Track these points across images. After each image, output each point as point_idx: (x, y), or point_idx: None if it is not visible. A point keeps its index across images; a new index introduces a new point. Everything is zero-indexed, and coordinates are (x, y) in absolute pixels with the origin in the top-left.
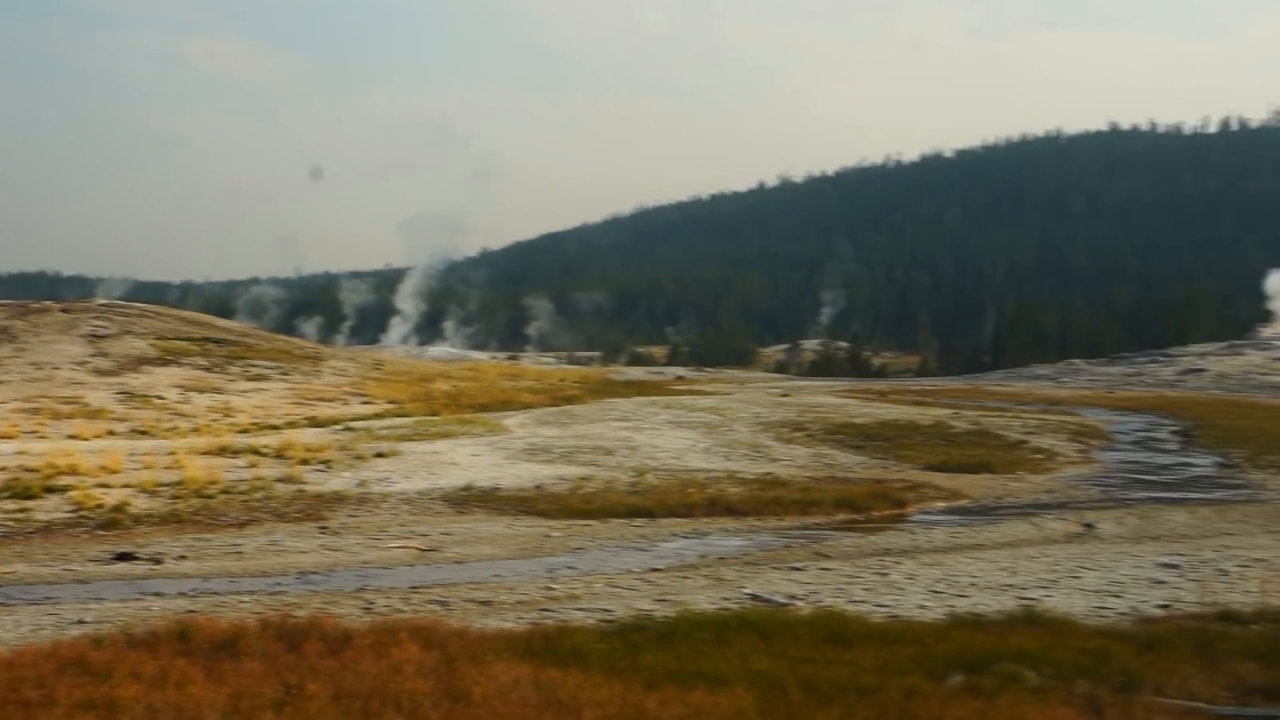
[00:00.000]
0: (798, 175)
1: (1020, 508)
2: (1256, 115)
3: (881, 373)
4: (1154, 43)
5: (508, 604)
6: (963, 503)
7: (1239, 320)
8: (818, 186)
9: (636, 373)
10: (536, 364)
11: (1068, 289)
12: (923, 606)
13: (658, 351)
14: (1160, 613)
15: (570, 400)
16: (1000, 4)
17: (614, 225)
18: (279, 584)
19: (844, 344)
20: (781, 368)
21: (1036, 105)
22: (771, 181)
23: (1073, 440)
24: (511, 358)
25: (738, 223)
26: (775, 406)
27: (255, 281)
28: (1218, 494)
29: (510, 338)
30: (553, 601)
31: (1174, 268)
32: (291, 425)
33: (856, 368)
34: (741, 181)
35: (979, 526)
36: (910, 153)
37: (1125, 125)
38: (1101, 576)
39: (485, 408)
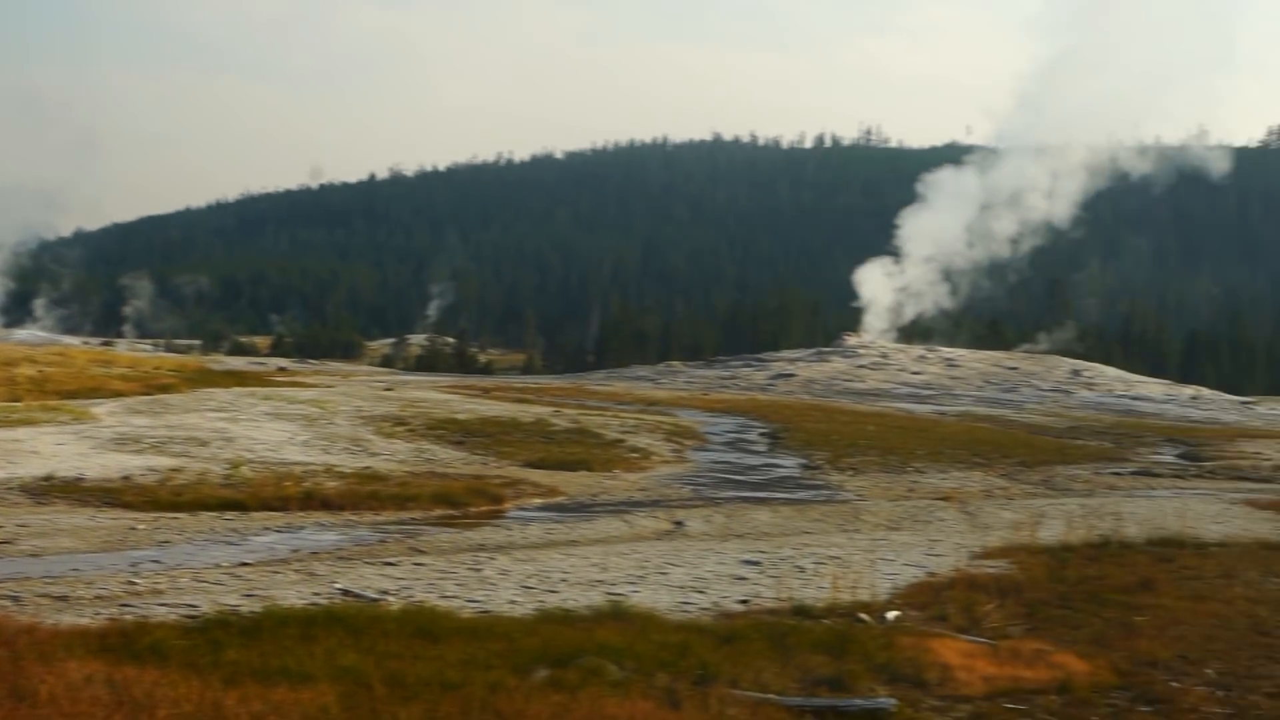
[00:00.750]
0: (409, 169)
1: (614, 505)
2: (848, 134)
3: (487, 369)
4: (757, 60)
5: (85, 599)
6: (559, 500)
7: (827, 328)
8: (429, 181)
9: (237, 362)
10: (132, 350)
11: (670, 292)
12: (514, 602)
13: (261, 341)
14: (740, 608)
15: (165, 389)
16: (613, 11)
17: (219, 210)
18: None
19: (451, 340)
20: (388, 362)
21: (645, 113)
22: (382, 174)
23: (668, 440)
24: (105, 343)
25: (347, 214)
26: (378, 401)
27: None
28: (800, 494)
29: (106, 321)
30: (134, 597)
31: (769, 276)
32: None
33: (463, 364)
34: (351, 172)
35: (574, 523)
36: (521, 152)
37: (728, 136)
38: (687, 573)
39: (73, 394)
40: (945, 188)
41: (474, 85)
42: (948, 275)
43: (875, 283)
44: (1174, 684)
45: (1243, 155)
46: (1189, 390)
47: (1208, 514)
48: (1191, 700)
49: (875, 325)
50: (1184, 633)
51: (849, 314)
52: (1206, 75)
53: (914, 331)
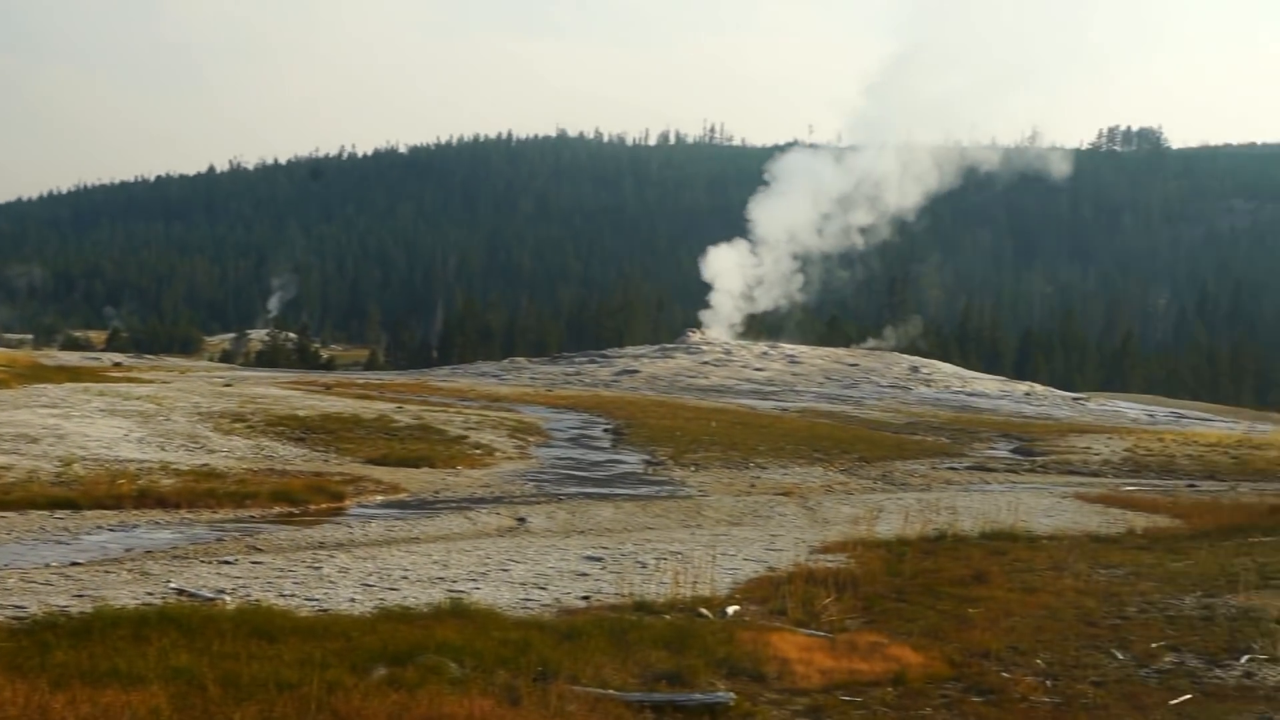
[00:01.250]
0: (249, 161)
1: (457, 502)
2: (693, 131)
3: (330, 365)
4: (603, 55)
5: None
6: (401, 496)
7: (672, 325)
8: (270, 174)
9: (71, 357)
10: None
11: (515, 288)
12: (353, 600)
13: (96, 336)
14: (582, 604)
15: None
16: (458, 4)
17: (52, 201)
18: None
19: (292, 335)
20: (228, 357)
21: (490, 107)
22: (222, 166)
23: (512, 436)
24: None
25: (186, 207)
26: (217, 397)
27: None
28: (643, 490)
29: None
30: None
31: (614, 272)
32: None
33: (305, 360)
34: (190, 165)
35: (416, 520)
36: (365, 146)
37: (573, 132)
38: (530, 569)
39: None
40: (794, 177)
41: (317, 77)
42: (800, 264)
43: (726, 268)
44: (1005, 674)
45: (1076, 157)
46: (1023, 387)
47: (1039, 507)
48: (1021, 690)
49: (721, 319)
50: (1015, 624)
51: (694, 310)
52: (1043, 78)
53: (759, 326)
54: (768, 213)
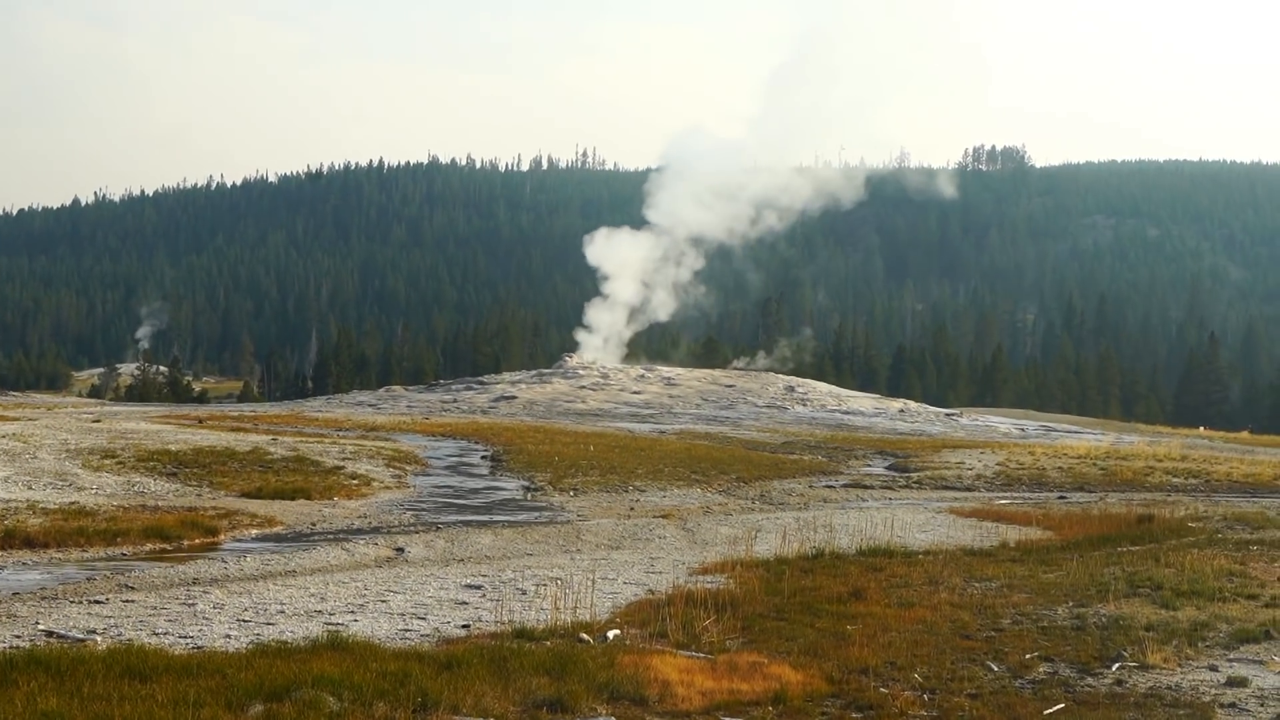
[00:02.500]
0: (115, 193)
1: (334, 533)
2: (566, 156)
3: (202, 398)
4: (474, 81)
5: None
6: (277, 529)
7: (549, 350)
8: (136, 206)
9: None
10: None
11: (389, 316)
12: (229, 636)
13: None
14: (462, 633)
15: None
16: (328, 32)
17: None
18: None
19: (163, 368)
20: (97, 392)
21: (361, 135)
22: (87, 198)
23: (389, 466)
24: None
25: (50, 240)
26: (86, 433)
27: None
28: (522, 516)
29: None
30: None
31: (490, 298)
32: None
33: (176, 393)
34: (53, 197)
35: (292, 553)
36: (233, 175)
37: (444, 159)
38: (408, 599)
39: None
40: (693, 162)
41: (184, 107)
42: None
43: (620, 252)
44: (883, 689)
45: (942, 176)
46: (897, 404)
47: (915, 523)
48: (900, 704)
49: (599, 335)
50: (893, 639)
51: (570, 334)
52: (909, 101)
53: (637, 348)
54: (664, 199)
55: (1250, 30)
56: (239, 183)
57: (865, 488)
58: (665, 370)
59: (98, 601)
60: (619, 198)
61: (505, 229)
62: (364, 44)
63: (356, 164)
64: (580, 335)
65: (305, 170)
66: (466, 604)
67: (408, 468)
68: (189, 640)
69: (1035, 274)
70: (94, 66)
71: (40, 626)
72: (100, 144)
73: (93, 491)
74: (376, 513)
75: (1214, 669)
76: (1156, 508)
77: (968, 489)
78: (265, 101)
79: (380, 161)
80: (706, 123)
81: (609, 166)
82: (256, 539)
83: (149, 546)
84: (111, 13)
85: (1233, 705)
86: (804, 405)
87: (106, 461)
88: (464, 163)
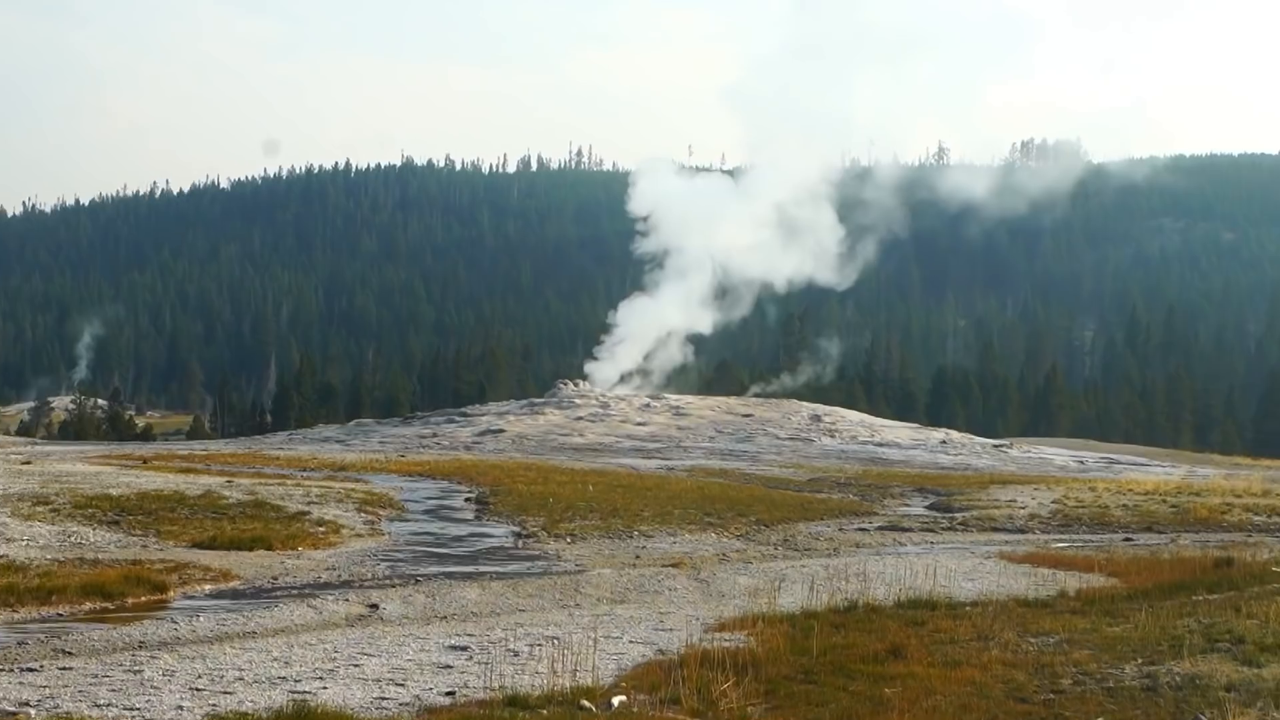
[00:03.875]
0: (46, 203)
1: (299, 588)
2: (557, 156)
3: (146, 435)
4: (454, 75)
5: None
6: (234, 584)
7: (541, 376)
8: (70, 217)
9: None
10: None
11: (359, 339)
12: (181, 708)
13: None
14: (446, 701)
15: None
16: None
17: None
18: None
19: (102, 401)
20: (25, 429)
21: (325, 135)
22: (14, 208)
23: (360, 511)
24: None
25: None
26: (14, 476)
27: None
28: (512, 566)
29: None
30: None
31: (473, 317)
32: None
33: (117, 429)
34: None
35: (251, 611)
36: (181, 181)
37: (420, 160)
38: (384, 663)
39: None
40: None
41: (122, 109)
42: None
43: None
44: None
45: (986, 175)
46: (938, 434)
47: (960, 570)
48: None
49: (611, 366)
50: (937, 704)
51: (566, 359)
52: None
53: (641, 375)
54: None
55: None
56: (187, 189)
57: (903, 530)
58: (674, 398)
59: (30, 669)
60: (618, 201)
61: (490, 238)
62: (346, 36)
63: (321, 167)
64: (590, 363)
65: (263, 175)
66: (451, 668)
67: (381, 512)
68: (135, 712)
69: (1094, 284)
70: (38, 61)
71: None
72: (32, 147)
73: (23, 544)
74: (347, 564)
75: None
76: (1236, 550)
77: (1020, 531)
78: (224, 98)
79: (347, 164)
80: (718, 116)
81: (606, 166)
82: (211, 595)
83: (88, 606)
84: (62, 3)
85: None
86: (832, 437)
87: (39, 509)
88: (442, 164)
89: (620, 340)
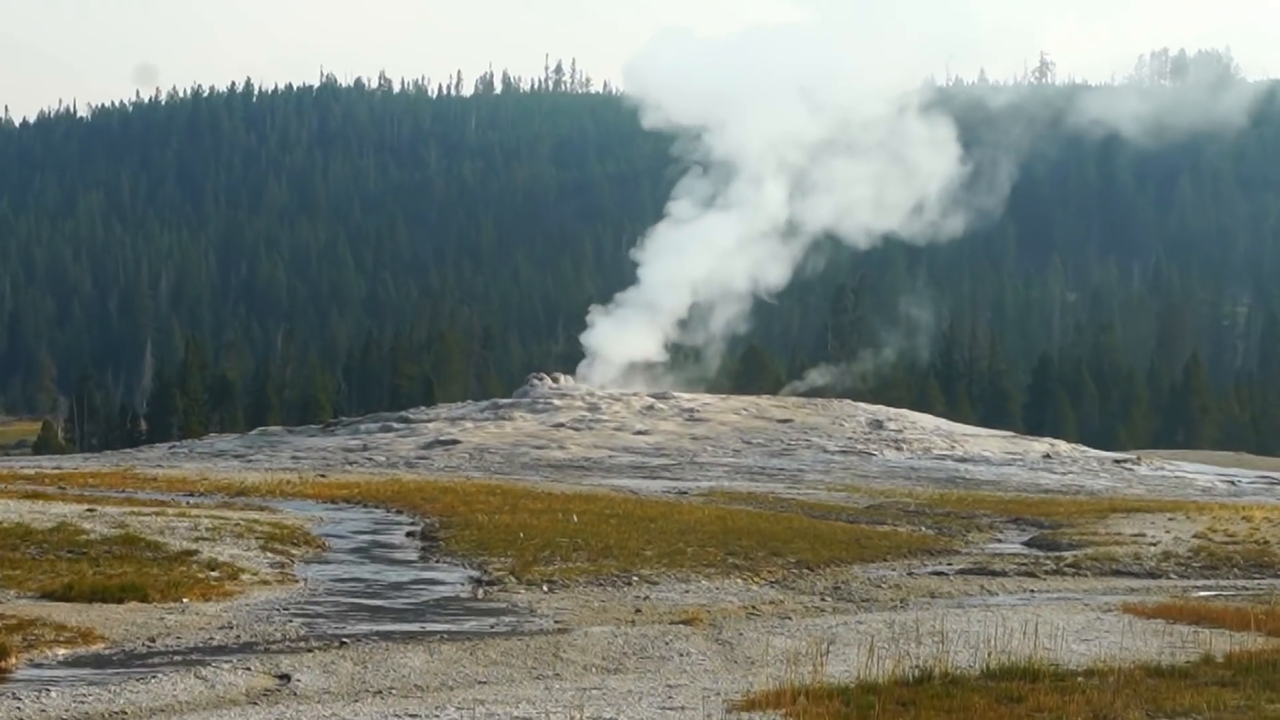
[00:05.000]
0: None
1: (184, 653)
2: (530, 73)
3: None
4: None
5: None
6: (97, 648)
7: (508, 369)
8: None
9: None
10: None
11: (265, 319)
12: None
13: None
14: None
15: None
16: None
17: None
18: None
19: None
20: None
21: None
22: None
23: (266, 549)
24: None
25: None
26: None
27: None
28: (471, 623)
29: None
30: None
31: (416, 290)
32: None
33: None
34: None
35: (120, 684)
36: (23, 109)
37: (346, 79)
38: None
39: None
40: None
41: None
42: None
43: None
44: None
45: (1104, 98)
46: (1040, 446)
47: (1070, 628)
48: None
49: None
50: None
51: (540, 345)
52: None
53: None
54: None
55: None
56: (33, 120)
57: (993, 574)
58: (686, 399)
59: None
60: (613, 132)
61: (439, 184)
62: None
63: (213, 89)
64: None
65: (135, 101)
66: None
67: (295, 552)
68: None
69: (1249, 244)
70: None
71: None
72: None
73: None
74: (248, 620)
75: None
76: None
77: (1150, 575)
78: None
79: (248, 86)
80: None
81: (595, 88)
82: (66, 663)
83: None
84: None
85: None
86: (898, 449)
87: None
88: (375, 85)
89: (630, 312)
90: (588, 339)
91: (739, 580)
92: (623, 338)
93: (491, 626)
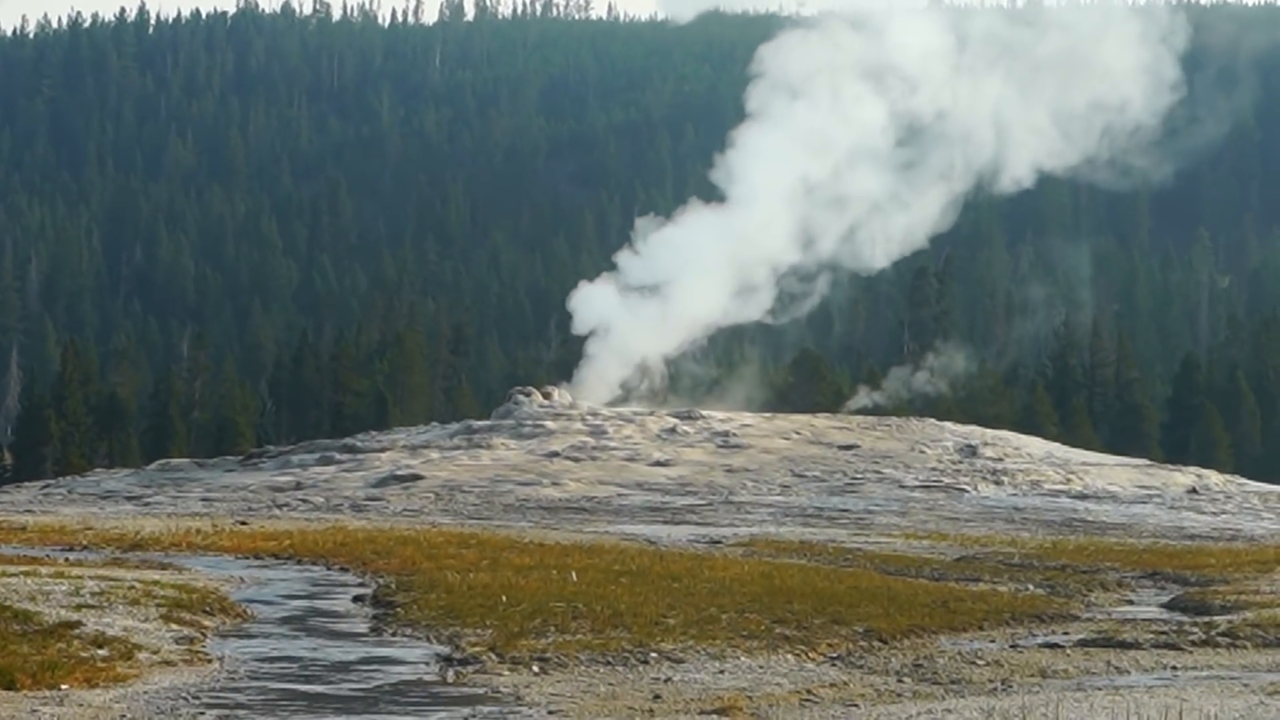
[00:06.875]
0: None
1: None
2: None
3: None
4: None
5: None
6: None
7: (485, 379)
8: None
9: None
10: None
11: (166, 319)
12: None
13: None
14: None
15: None
16: None
17: None
18: None
19: None
20: None
21: None
22: None
23: (169, 620)
24: None
25: None
26: None
27: None
28: (439, 715)
29: None
30: None
31: (367, 275)
32: None
33: None
34: None
35: None
36: None
37: (270, 5)
38: None
39: None
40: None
41: None
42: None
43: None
44: None
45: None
46: (1184, 477)
47: (1226, 716)
48: None
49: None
50: None
51: (524, 348)
52: None
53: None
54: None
55: None
56: None
57: (1123, 647)
58: (719, 417)
59: None
60: (620, 74)
61: (393, 141)
62: None
63: (98, 18)
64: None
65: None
66: None
67: (208, 623)
68: None
69: None
70: None
71: None
72: None
73: None
74: (147, 713)
75: None
76: None
77: None
78: None
79: (141, 12)
80: None
81: (598, 14)
82: None
83: None
84: None
85: None
86: (998, 483)
87: None
88: (308, 10)
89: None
90: (582, 328)
91: (790, 656)
92: (636, 330)
93: (465, 719)
